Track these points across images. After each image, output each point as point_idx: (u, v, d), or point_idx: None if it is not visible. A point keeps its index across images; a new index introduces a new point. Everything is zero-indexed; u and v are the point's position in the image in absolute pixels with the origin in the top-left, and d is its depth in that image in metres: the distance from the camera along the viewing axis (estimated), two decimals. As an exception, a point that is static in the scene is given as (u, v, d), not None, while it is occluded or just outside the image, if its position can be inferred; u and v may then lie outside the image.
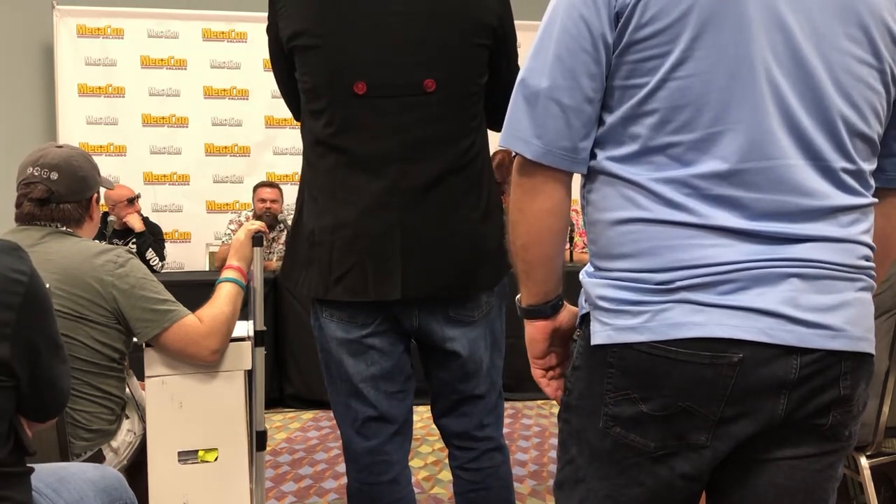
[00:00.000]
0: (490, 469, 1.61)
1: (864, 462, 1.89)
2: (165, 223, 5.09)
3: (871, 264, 0.93)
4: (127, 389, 1.81)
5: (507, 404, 2.78)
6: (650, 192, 0.90)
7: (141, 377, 1.78)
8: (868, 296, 0.92)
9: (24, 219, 1.68)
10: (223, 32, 5.51)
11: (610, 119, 0.93)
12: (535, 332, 1.07)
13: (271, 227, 4.55)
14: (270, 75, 1.67)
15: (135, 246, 4.38)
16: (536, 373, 1.10)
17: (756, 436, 0.90)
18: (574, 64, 0.91)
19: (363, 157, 1.45)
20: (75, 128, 5.30)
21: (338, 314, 1.51)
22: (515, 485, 2.18)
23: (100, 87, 5.36)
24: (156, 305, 1.67)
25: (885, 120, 0.94)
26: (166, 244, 4.84)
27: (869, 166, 0.93)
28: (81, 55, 5.32)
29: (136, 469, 1.77)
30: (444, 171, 1.46)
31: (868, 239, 0.93)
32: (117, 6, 5.40)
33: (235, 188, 5.56)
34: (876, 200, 0.95)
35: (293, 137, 5.42)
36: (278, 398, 4.05)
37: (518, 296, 1.06)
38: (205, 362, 1.72)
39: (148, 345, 1.70)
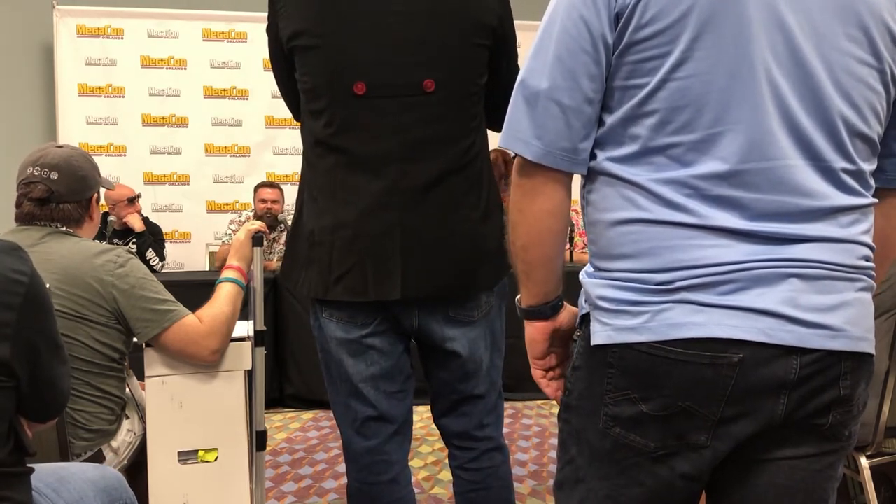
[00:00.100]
0: (490, 469, 1.61)
1: (864, 462, 1.89)
2: (165, 223, 5.09)
3: (871, 264, 0.93)
4: (127, 389, 1.81)
5: (507, 404, 2.78)
6: (650, 193, 0.90)
7: (141, 377, 1.78)
8: (868, 296, 0.92)
9: (24, 219, 1.68)
10: (223, 32, 5.51)
11: (610, 120, 0.93)
12: (535, 332, 1.07)
13: (272, 228, 4.55)
14: (270, 75, 1.67)
15: (135, 246, 4.38)
16: (536, 373, 1.10)
17: (756, 436, 0.90)
18: (574, 65, 0.91)
19: (363, 157, 1.45)
20: (75, 128, 5.30)
21: (338, 314, 1.51)
22: (515, 485, 2.18)
23: (100, 87, 5.36)
24: (156, 305, 1.67)
25: (885, 120, 0.94)
26: (166, 244, 4.84)
27: (869, 166, 0.93)
28: (81, 55, 5.32)
29: (136, 469, 1.77)
30: (444, 171, 1.46)
31: (868, 239, 0.93)
32: (117, 6, 5.40)
33: (235, 188, 5.56)
34: (876, 200, 0.95)
35: (293, 137, 5.42)
36: (278, 398, 4.05)
37: (518, 296, 1.07)
38: (205, 362, 1.72)
39: (148, 345, 1.70)
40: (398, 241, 1.44)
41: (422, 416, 2.99)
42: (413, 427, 1.65)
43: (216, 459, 1.75)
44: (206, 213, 5.53)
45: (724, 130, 0.87)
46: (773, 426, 0.90)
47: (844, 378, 0.89)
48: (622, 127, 0.92)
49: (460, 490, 1.63)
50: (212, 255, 5.08)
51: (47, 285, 1.18)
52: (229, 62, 5.52)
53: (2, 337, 1.07)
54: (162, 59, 5.44)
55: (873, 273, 0.93)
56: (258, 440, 1.89)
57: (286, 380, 4.06)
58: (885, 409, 1.85)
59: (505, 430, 2.17)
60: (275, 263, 4.43)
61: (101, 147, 5.32)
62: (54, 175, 1.66)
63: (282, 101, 1.64)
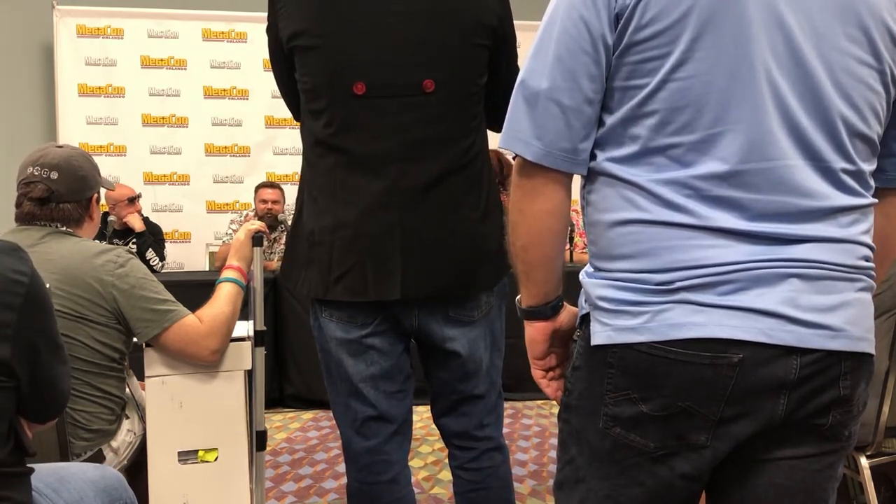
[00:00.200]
0: (490, 469, 1.61)
1: (864, 462, 1.89)
2: (165, 223, 5.09)
3: (871, 265, 0.93)
4: (127, 389, 1.81)
5: (507, 404, 2.78)
6: (650, 194, 0.90)
7: (141, 377, 1.78)
8: (868, 296, 0.92)
9: (24, 218, 1.68)
10: (223, 32, 5.51)
11: (610, 120, 0.93)
12: (535, 332, 1.07)
13: (272, 228, 4.55)
14: (270, 75, 1.67)
15: (135, 246, 4.38)
16: (536, 373, 1.10)
17: (756, 436, 0.90)
18: (574, 65, 0.91)
19: (363, 157, 1.45)
20: (75, 128, 5.30)
21: (337, 314, 1.51)
22: (515, 485, 2.18)
23: (100, 87, 5.36)
24: (156, 305, 1.67)
25: (885, 120, 0.94)
26: (166, 244, 4.84)
27: (869, 167, 0.93)
28: (81, 55, 5.32)
29: (136, 469, 1.77)
30: (444, 171, 1.46)
31: (868, 239, 0.93)
32: (117, 6, 5.40)
33: (235, 188, 5.56)
34: (875, 201, 0.95)
35: (293, 137, 5.42)
36: (278, 398, 4.05)
37: (518, 297, 1.07)
38: (205, 362, 1.72)
39: (148, 345, 1.70)
40: (398, 241, 1.44)
41: (422, 416, 2.99)
42: (413, 427, 1.65)
43: (216, 459, 1.75)
44: (206, 213, 5.53)
45: (724, 131, 0.87)
46: (773, 426, 0.90)
47: (844, 378, 0.89)
48: (622, 127, 0.92)
49: (460, 490, 1.63)
50: (212, 255, 5.08)
51: (47, 285, 1.18)
52: (229, 62, 5.52)
53: (2, 337, 1.07)
54: (162, 59, 5.44)
55: (873, 273, 0.93)
56: (258, 440, 1.89)
57: (286, 380, 4.06)
58: (885, 409, 1.85)
59: (505, 430, 2.17)
60: (275, 263, 4.43)
61: (101, 147, 5.32)
62: (54, 175, 1.66)
63: (282, 101, 1.64)
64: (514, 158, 0.98)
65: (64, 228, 1.69)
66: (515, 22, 1.54)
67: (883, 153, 0.97)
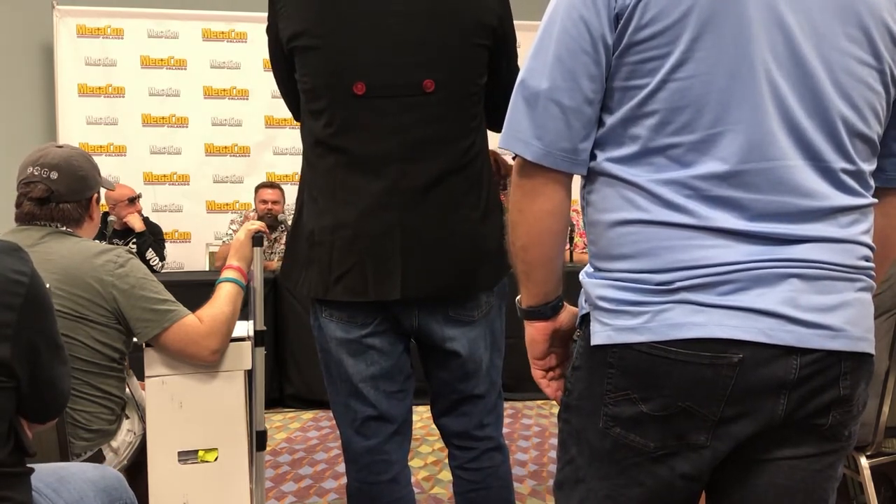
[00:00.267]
0: (490, 469, 1.61)
1: (864, 462, 1.89)
2: (165, 223, 5.09)
3: (871, 265, 0.93)
4: (127, 389, 1.81)
5: (507, 404, 2.78)
6: (650, 194, 0.90)
7: (141, 377, 1.78)
8: (868, 296, 0.92)
9: (23, 218, 1.68)
10: (223, 32, 5.51)
11: (610, 120, 0.93)
12: (535, 333, 1.07)
13: (272, 228, 4.55)
14: (270, 75, 1.67)
15: (135, 246, 4.38)
16: (536, 373, 1.10)
17: (756, 436, 0.90)
18: (574, 65, 0.91)
19: (363, 157, 1.45)
20: (75, 128, 5.30)
21: (337, 314, 1.51)
22: (515, 485, 2.18)
23: (100, 87, 5.36)
24: (156, 305, 1.67)
25: (885, 120, 0.94)
26: (166, 244, 4.84)
27: (868, 167, 0.94)
28: (81, 55, 5.32)
29: (136, 469, 1.77)
30: (444, 171, 1.46)
31: (868, 239, 0.93)
32: (117, 6, 5.40)
33: (235, 188, 5.56)
34: (875, 201, 0.95)
35: (293, 137, 5.42)
36: (278, 398, 4.05)
37: (518, 297, 1.07)
38: (205, 362, 1.72)
39: (148, 345, 1.70)
40: (398, 241, 1.45)
41: (422, 416, 2.99)
42: (413, 427, 1.65)
43: (216, 459, 1.75)
44: (206, 213, 5.53)
45: (724, 131, 0.87)
46: (773, 426, 0.90)
47: (844, 378, 0.89)
48: (622, 127, 0.92)
49: (460, 490, 1.63)
50: (212, 255, 5.08)
51: (47, 285, 1.18)
52: (229, 62, 5.52)
53: (2, 337, 1.07)
54: (162, 59, 5.44)
55: (873, 273, 0.93)
56: (258, 440, 1.89)
57: (286, 380, 4.06)
58: (885, 409, 1.85)
59: (505, 430, 2.17)
60: (275, 263, 4.43)
61: (101, 147, 5.32)
62: (54, 175, 1.66)
63: (282, 101, 1.64)
64: (513, 159, 0.98)
65: (64, 228, 1.69)
66: (515, 22, 1.54)
67: (883, 153, 0.97)
